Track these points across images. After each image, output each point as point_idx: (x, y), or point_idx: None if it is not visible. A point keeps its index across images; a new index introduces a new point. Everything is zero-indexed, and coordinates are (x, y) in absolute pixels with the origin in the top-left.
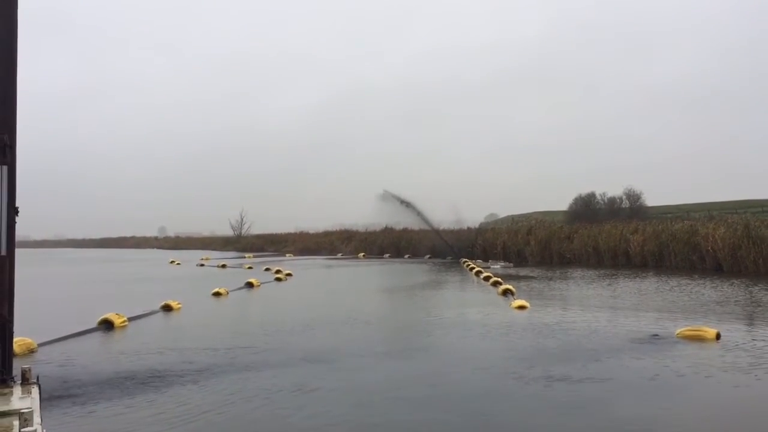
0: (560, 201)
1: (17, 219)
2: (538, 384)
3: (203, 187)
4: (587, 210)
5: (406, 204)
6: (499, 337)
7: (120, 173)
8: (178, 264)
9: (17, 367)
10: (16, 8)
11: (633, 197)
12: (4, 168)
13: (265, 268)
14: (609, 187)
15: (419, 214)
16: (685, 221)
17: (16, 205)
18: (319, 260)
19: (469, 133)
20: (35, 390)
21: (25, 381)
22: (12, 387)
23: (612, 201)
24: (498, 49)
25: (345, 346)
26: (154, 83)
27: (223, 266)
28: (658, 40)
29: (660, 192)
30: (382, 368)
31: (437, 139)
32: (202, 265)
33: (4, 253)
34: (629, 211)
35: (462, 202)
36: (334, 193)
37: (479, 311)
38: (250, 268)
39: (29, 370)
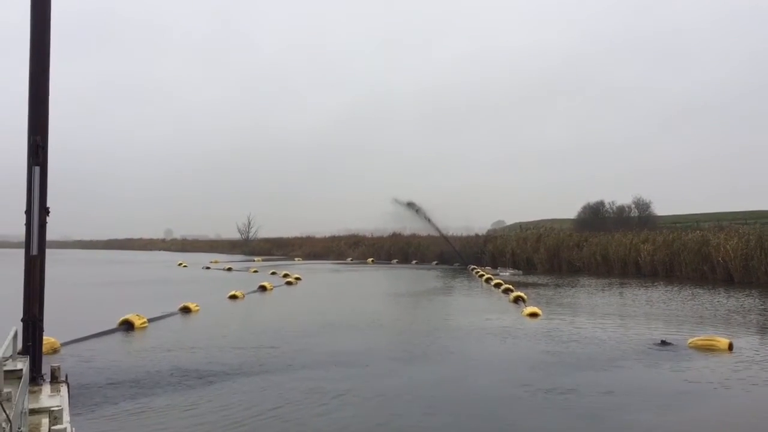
0: (568, 209)
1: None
2: (553, 392)
3: (209, 190)
4: (596, 218)
5: (416, 209)
6: (513, 344)
7: (127, 175)
8: (185, 266)
9: (46, 365)
10: (50, 16)
11: (642, 206)
12: (37, 169)
13: (271, 272)
14: (617, 195)
15: (428, 220)
16: (696, 231)
17: (48, 205)
18: (327, 265)
19: (485, 141)
20: (64, 389)
21: (55, 380)
22: (42, 385)
23: (621, 210)
24: (520, 59)
25: (363, 350)
26: (175, 87)
27: (229, 269)
28: (671, 52)
29: (669, 201)
30: (400, 373)
31: (453, 146)
32: (208, 268)
33: (35, 252)
34: (638, 220)
35: (470, 209)
36: (342, 198)
37: (491, 318)
38: (255, 271)
39: (58, 368)
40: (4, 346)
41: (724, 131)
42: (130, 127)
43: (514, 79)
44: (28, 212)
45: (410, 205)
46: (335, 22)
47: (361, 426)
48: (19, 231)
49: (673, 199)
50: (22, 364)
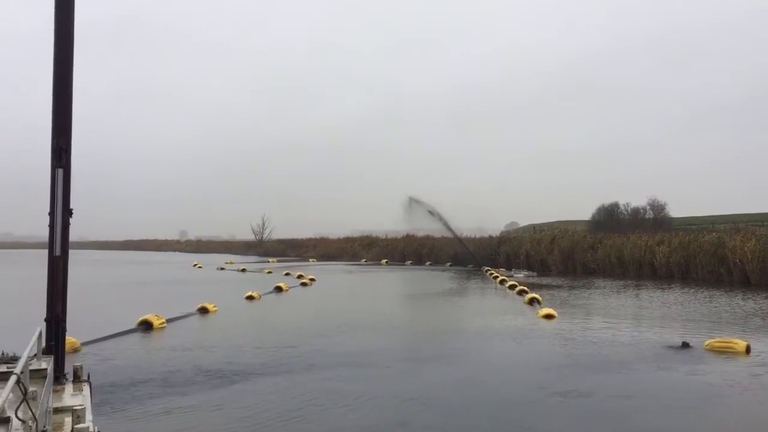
0: (582, 210)
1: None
2: (570, 394)
3: (224, 192)
4: (610, 220)
5: (430, 211)
6: (529, 346)
7: (142, 177)
8: (200, 267)
9: (68, 365)
10: (73, 22)
11: (657, 208)
12: (60, 171)
13: (285, 272)
14: (632, 197)
15: (443, 221)
16: (712, 233)
17: (71, 207)
18: (341, 266)
19: (500, 142)
20: (86, 388)
21: (77, 379)
22: (64, 384)
23: (636, 211)
24: (537, 60)
25: (380, 351)
26: (192, 89)
27: (243, 270)
28: (688, 53)
29: (684, 203)
30: (418, 374)
31: (468, 147)
32: (223, 269)
33: (58, 253)
34: (653, 221)
35: (483, 211)
36: (355, 200)
37: (507, 319)
38: (269, 272)
39: (81, 368)
40: (29, 346)
41: (740, 132)
42: (146, 130)
43: (531, 80)
44: (52, 214)
45: (423, 205)
46: (352, 24)
47: (380, 427)
48: (37, 232)
49: (689, 200)
50: (47, 364)
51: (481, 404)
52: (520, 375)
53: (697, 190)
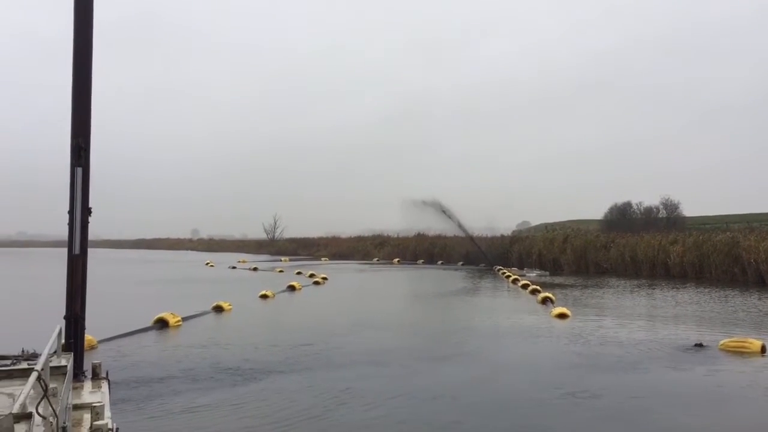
0: (594, 210)
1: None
2: (584, 394)
3: (236, 191)
4: (623, 219)
5: (442, 210)
6: (543, 345)
7: (154, 176)
8: (212, 266)
9: (87, 362)
10: (92, 20)
11: (670, 207)
12: (79, 170)
13: (296, 271)
14: (644, 196)
15: (454, 220)
16: (726, 232)
17: (89, 206)
18: (353, 265)
19: (516, 142)
20: (105, 385)
21: (96, 376)
22: (83, 381)
23: (649, 211)
24: (554, 60)
25: (396, 349)
26: (208, 89)
27: (255, 269)
28: (702, 52)
29: (698, 202)
30: (432, 373)
31: (484, 146)
32: (234, 267)
33: (77, 251)
34: (666, 221)
35: (494, 210)
36: (368, 199)
37: (521, 318)
38: (281, 271)
39: (99, 365)
40: (49, 343)
41: (754, 131)
42: (159, 129)
43: (544, 79)
44: (71, 213)
45: (439, 209)
46: (368, 25)
47: (397, 425)
48: (49, 231)
49: (702, 199)
50: (66, 361)
51: (495, 403)
52: (536, 374)
53: (711, 189)
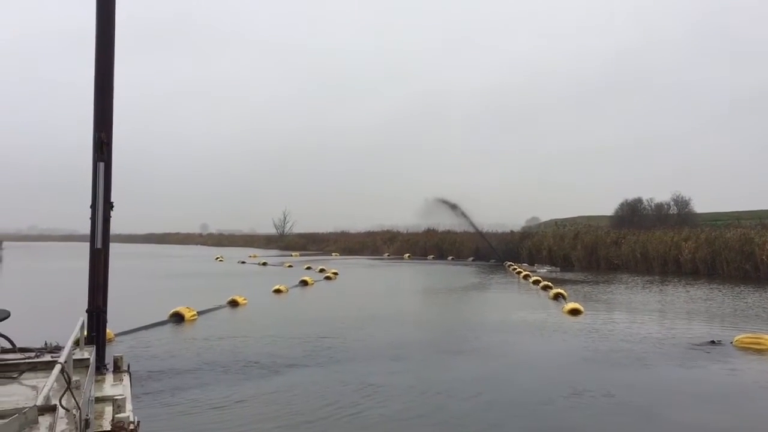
0: (604, 206)
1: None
2: (600, 389)
3: (246, 186)
4: (633, 215)
5: (452, 206)
6: (556, 341)
7: (164, 170)
8: (221, 261)
9: (108, 355)
10: (114, 14)
11: (681, 203)
12: (101, 164)
13: (306, 266)
14: (655, 192)
15: (466, 216)
16: (737, 229)
17: (111, 200)
18: (364, 260)
19: (530, 139)
20: (126, 378)
21: (117, 369)
22: (105, 374)
23: (659, 207)
24: (571, 59)
25: (411, 343)
26: (238, 87)
27: (264, 264)
28: (717, 49)
29: (709, 198)
30: (450, 368)
31: (500, 145)
32: (244, 262)
33: (99, 245)
34: (677, 217)
35: (503, 206)
36: (379, 195)
37: (533, 314)
38: (290, 266)
39: (121, 358)
40: (72, 336)
41: (765, 128)
42: (169, 125)
43: (563, 79)
44: (93, 207)
45: (449, 205)
46: (401, 22)
47: (414, 420)
48: (60, 225)
49: (713, 196)
50: (88, 354)
51: (516, 399)
52: (550, 370)
53: (722, 186)
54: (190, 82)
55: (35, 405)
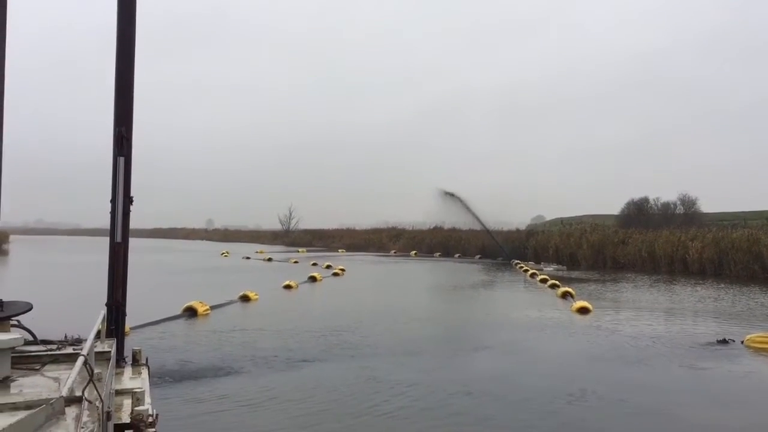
0: (609, 205)
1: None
2: (611, 387)
3: (251, 182)
4: (640, 215)
5: (460, 200)
6: (566, 339)
7: (170, 164)
8: (226, 256)
9: (126, 349)
10: (135, 11)
11: (688, 203)
12: (121, 159)
13: (312, 262)
14: (661, 192)
15: (472, 212)
16: (744, 229)
17: (131, 194)
18: (370, 257)
19: (540, 138)
20: (145, 371)
21: (136, 362)
22: (124, 367)
23: (666, 206)
24: (589, 58)
25: (423, 339)
26: (233, 80)
27: (269, 260)
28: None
29: (715, 198)
30: (456, 366)
31: (511, 143)
32: (248, 258)
33: (119, 239)
34: (684, 217)
35: (507, 204)
36: (385, 192)
37: (542, 312)
38: (296, 262)
39: (139, 351)
40: (94, 329)
41: None
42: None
43: (581, 78)
44: (113, 201)
45: (451, 195)
46: (423, 21)
47: (430, 415)
48: (66, 219)
49: (720, 196)
50: (109, 347)
51: (528, 397)
52: (560, 369)
53: (729, 186)
54: (205, 78)
55: (62, 396)
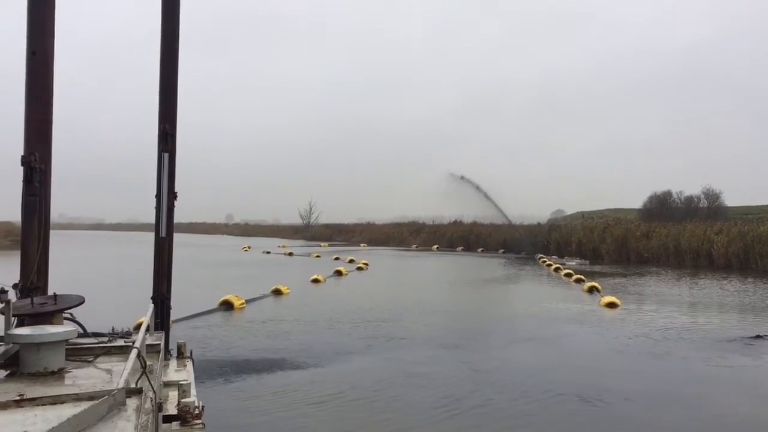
0: (631, 199)
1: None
2: (648, 381)
3: (271, 177)
4: (663, 209)
5: (476, 186)
6: (597, 333)
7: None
8: (247, 251)
9: (171, 342)
10: (179, 9)
11: (712, 197)
12: (166, 155)
13: (334, 257)
14: (684, 186)
15: (491, 201)
16: None
17: (175, 190)
18: (391, 251)
19: (570, 132)
20: (189, 364)
21: (181, 355)
22: (169, 360)
23: (689, 200)
24: (641, 55)
25: (456, 332)
26: (261, 77)
27: (290, 254)
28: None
29: (738, 192)
30: (491, 358)
31: (541, 137)
32: (269, 252)
33: (164, 234)
34: (707, 211)
35: (531, 198)
36: (408, 187)
37: (569, 306)
38: (317, 256)
39: (184, 344)
40: (145, 322)
41: None
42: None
43: (618, 72)
44: (158, 196)
45: (469, 181)
46: (463, 18)
47: (463, 410)
48: (88, 214)
49: (744, 189)
50: (158, 339)
51: (559, 389)
52: (594, 363)
53: (754, 179)
54: (245, 76)
55: (123, 387)
